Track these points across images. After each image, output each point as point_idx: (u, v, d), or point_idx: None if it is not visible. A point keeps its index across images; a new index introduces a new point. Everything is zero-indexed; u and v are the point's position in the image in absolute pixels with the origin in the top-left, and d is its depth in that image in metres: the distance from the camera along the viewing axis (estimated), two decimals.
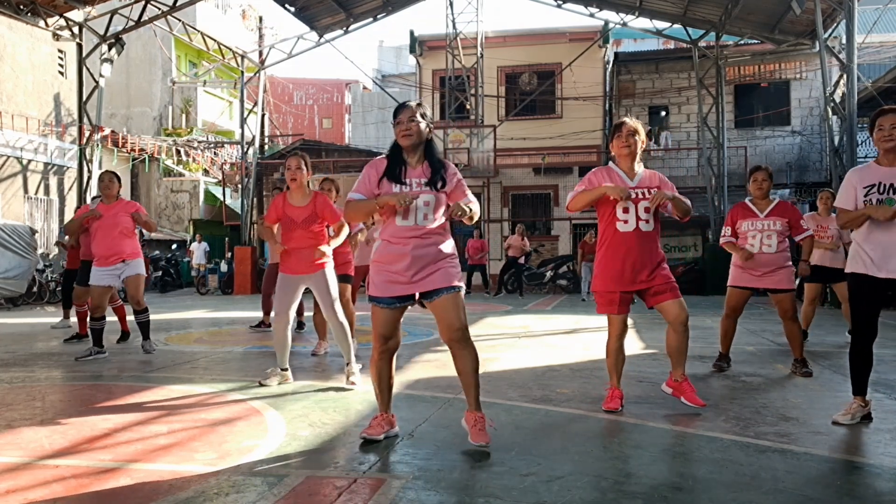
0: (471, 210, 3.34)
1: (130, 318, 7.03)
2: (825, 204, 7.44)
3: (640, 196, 4.05)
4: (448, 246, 3.44)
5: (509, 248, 16.85)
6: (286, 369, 5.09)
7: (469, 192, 3.49)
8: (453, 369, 3.47)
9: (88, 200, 16.00)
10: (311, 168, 5.20)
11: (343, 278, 6.11)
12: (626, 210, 4.02)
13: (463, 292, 3.40)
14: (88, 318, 6.63)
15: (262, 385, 4.93)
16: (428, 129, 3.44)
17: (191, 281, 20.63)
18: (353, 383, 4.91)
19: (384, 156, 3.50)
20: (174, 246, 22.77)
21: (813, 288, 7.43)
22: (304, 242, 4.99)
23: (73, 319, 9.44)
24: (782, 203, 5.53)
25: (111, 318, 7.23)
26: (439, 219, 3.42)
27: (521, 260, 17.13)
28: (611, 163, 4.26)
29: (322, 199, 5.13)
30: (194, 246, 20.75)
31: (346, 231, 5.32)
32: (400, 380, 5.10)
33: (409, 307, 3.45)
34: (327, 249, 5.10)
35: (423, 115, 3.41)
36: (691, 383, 4.24)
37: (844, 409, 3.88)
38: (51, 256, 18.75)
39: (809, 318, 7.42)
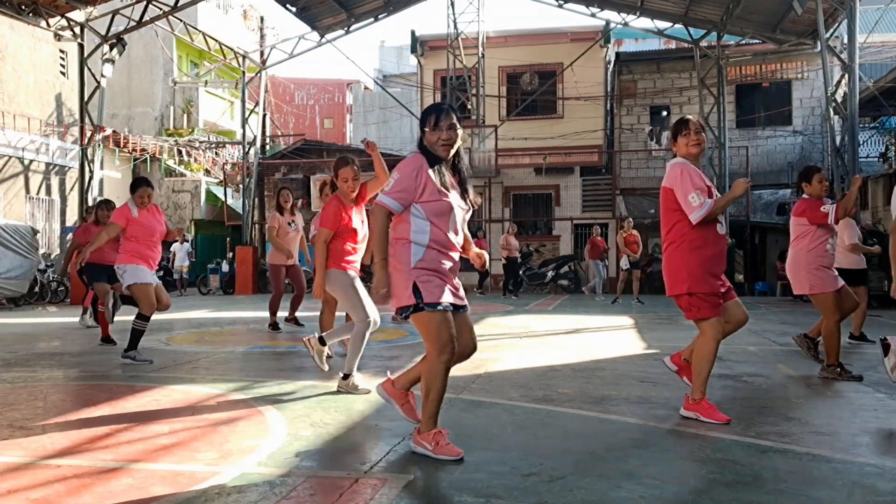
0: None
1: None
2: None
3: None
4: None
5: (511, 249, 16.92)
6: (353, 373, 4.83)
7: None
8: (453, 369, 3.47)
9: (90, 201, 16.03)
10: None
11: None
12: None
13: None
14: (145, 320, 6.21)
15: (358, 390, 4.67)
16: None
17: (193, 281, 20.37)
18: (368, 391, 4.64)
19: (421, 154, 3.23)
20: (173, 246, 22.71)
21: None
22: (361, 241, 4.89)
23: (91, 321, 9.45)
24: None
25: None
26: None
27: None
28: (680, 159, 4.06)
29: (365, 192, 4.92)
30: (175, 247, 19.38)
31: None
32: None
33: (398, 317, 3.37)
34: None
35: (458, 122, 3.24)
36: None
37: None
38: (52, 257, 18.77)
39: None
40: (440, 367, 3.13)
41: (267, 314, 8.82)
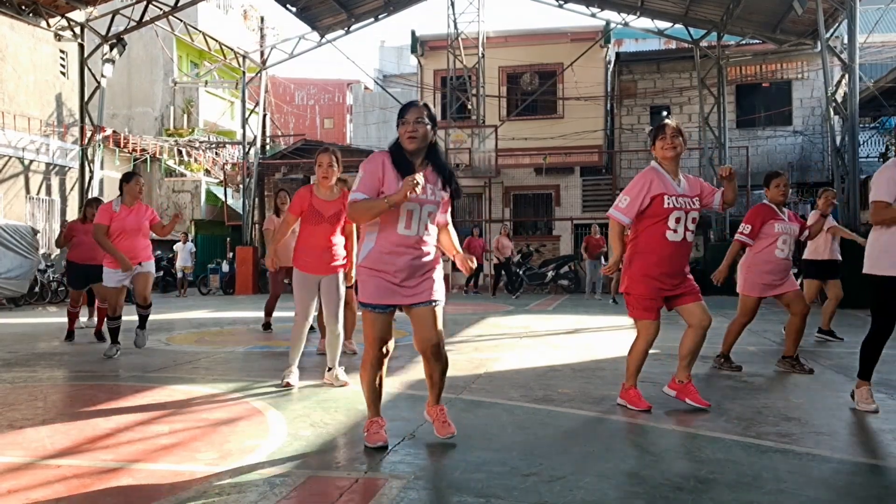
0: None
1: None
2: (831, 203, 7.36)
3: (690, 206, 4.07)
4: (435, 255, 3.41)
5: (504, 249, 16.96)
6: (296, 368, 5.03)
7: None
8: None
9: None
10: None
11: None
12: (678, 220, 4.02)
13: (442, 304, 3.38)
14: (107, 319, 6.58)
15: (288, 385, 4.86)
16: (433, 132, 3.34)
17: (193, 281, 20.30)
18: (345, 383, 4.92)
19: (386, 151, 3.35)
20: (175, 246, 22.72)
21: (813, 285, 7.44)
22: (327, 240, 4.90)
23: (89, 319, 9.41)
24: (789, 210, 5.61)
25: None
26: (433, 229, 3.39)
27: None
28: (654, 163, 4.21)
29: (345, 196, 4.95)
30: (178, 246, 19.02)
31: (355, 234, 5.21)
32: (401, 379, 5.12)
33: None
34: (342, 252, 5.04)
35: (429, 117, 3.30)
36: (694, 384, 4.27)
37: (862, 398, 4.00)
38: (52, 257, 18.76)
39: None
40: (367, 360, 3.36)
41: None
